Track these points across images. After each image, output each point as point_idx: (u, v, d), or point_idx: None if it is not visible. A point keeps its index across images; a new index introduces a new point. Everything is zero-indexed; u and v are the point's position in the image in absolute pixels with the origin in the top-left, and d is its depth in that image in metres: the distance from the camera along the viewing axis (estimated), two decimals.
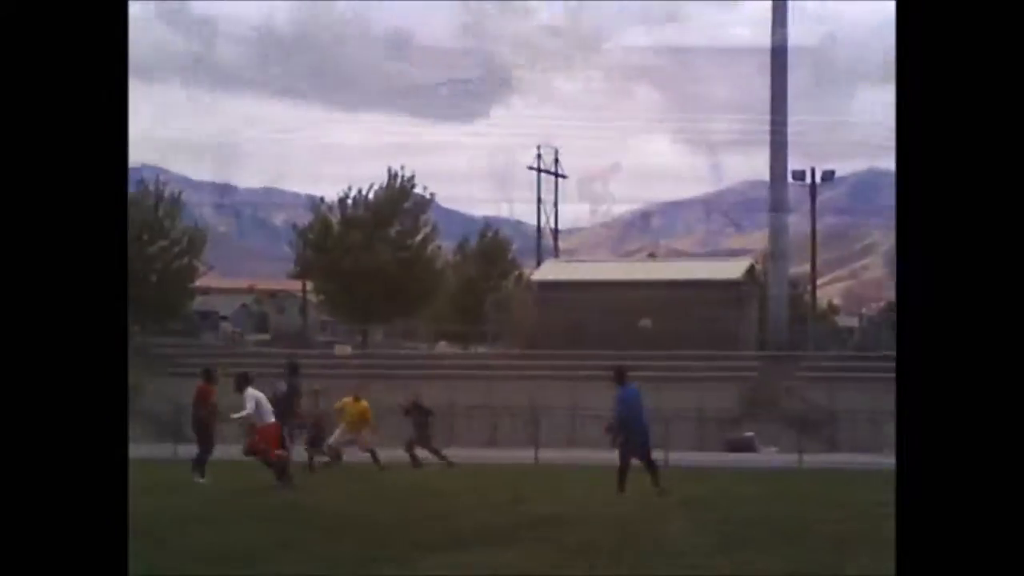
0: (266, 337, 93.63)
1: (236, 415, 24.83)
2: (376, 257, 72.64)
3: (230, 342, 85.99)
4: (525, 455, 38.84)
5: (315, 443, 32.80)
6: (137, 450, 31.59)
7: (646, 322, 60.94)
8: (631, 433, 22.48)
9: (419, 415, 36.43)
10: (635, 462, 22.58)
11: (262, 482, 23.35)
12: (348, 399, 34.31)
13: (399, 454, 34.51)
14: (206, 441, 26.34)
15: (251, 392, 24.54)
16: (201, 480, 25.22)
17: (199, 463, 25.96)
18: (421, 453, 34.95)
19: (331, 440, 33.75)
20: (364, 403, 34.70)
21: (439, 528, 15.78)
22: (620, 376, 22.88)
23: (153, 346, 64.32)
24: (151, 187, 76.90)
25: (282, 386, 24.33)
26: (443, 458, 35.23)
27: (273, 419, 24.46)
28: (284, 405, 24.65)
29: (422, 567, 12.13)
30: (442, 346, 79.81)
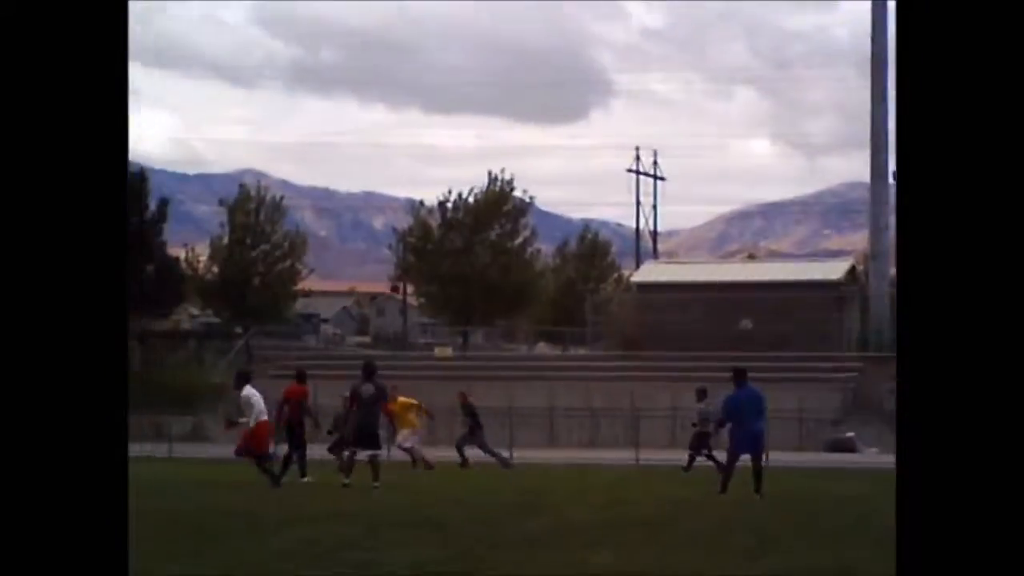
0: (366, 339, 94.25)
1: (239, 421, 24.94)
2: (476, 260, 72.92)
3: (331, 344, 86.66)
4: (625, 456, 38.81)
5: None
6: (231, 450, 31.82)
7: (746, 323, 60.58)
8: (740, 434, 22.21)
9: (469, 414, 36.41)
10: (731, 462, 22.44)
11: (357, 482, 23.49)
12: (402, 398, 34.21)
13: (481, 454, 34.58)
14: (298, 441, 26.58)
15: (247, 391, 24.64)
16: (305, 480, 25.49)
17: (300, 463, 26.23)
18: (472, 452, 34.91)
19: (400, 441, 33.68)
20: (409, 401, 34.73)
21: (537, 527, 15.82)
22: (739, 376, 22.46)
23: (256, 348, 65.00)
24: (253, 192, 77.68)
25: (368, 387, 24.27)
26: (498, 456, 35.12)
27: (266, 418, 24.52)
28: (369, 407, 24.58)
29: (528, 567, 12.16)
30: (541, 348, 79.90)
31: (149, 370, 63.73)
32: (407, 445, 33.37)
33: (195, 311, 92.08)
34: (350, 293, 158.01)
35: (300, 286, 79.92)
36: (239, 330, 72.27)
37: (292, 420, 26.75)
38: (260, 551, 13.16)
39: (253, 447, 24.46)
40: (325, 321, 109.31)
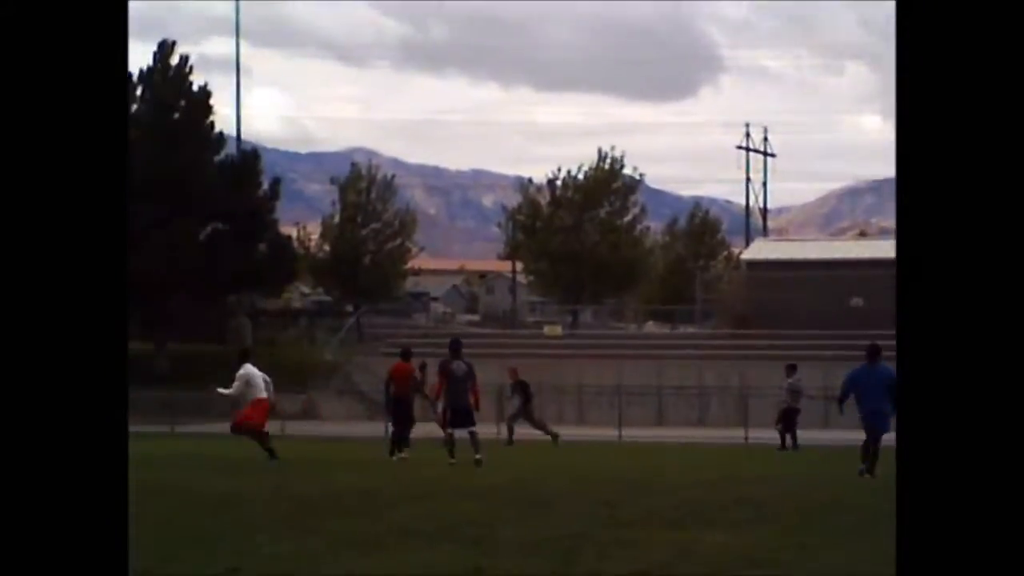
0: (476, 318, 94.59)
1: (223, 391, 25.22)
2: (585, 238, 72.94)
3: (441, 322, 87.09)
4: (735, 435, 38.68)
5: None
6: (351, 428, 32.13)
7: (857, 301, 59.97)
8: (862, 412, 21.83)
9: (521, 391, 36.37)
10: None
11: (455, 459, 23.64)
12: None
13: (577, 432, 34.58)
14: (403, 418, 26.83)
15: (245, 369, 24.83)
16: (403, 455, 25.73)
17: (399, 440, 26.49)
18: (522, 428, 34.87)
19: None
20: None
21: (649, 504, 15.85)
22: (872, 354, 21.91)
23: (366, 326, 65.52)
24: (364, 170, 78.22)
25: (460, 365, 24.42)
26: (551, 433, 35.00)
27: (264, 395, 24.67)
28: (461, 385, 24.69)
29: (642, 545, 12.19)
30: (650, 326, 79.71)
31: (261, 348, 64.54)
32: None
33: (306, 289, 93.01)
34: (460, 271, 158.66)
35: (410, 264, 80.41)
36: (350, 308, 72.93)
37: (398, 397, 27.03)
38: (376, 528, 13.31)
39: (250, 424, 24.77)
40: (435, 299, 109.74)
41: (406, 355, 27.64)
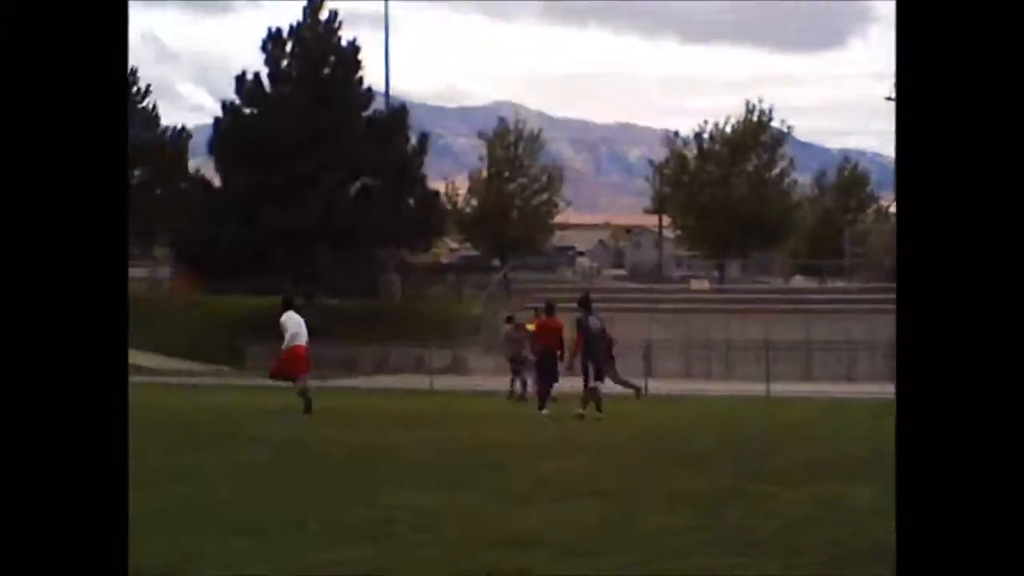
0: (622, 272, 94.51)
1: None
2: (732, 191, 72.40)
3: (587, 277, 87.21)
4: (883, 390, 38.27)
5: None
6: (498, 383, 32.41)
7: None
8: None
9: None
10: None
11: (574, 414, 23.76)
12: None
13: (724, 387, 34.33)
14: (549, 373, 26.91)
15: (287, 316, 24.98)
16: (544, 412, 25.90)
17: (543, 395, 26.63)
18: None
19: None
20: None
21: (790, 459, 15.81)
22: None
23: (513, 281, 65.85)
24: (510, 125, 78.44)
25: (595, 321, 24.57)
26: (632, 385, 34.38)
27: (303, 343, 24.77)
28: (598, 340, 24.80)
29: (784, 498, 12.20)
30: (798, 280, 79.02)
31: (409, 303, 65.20)
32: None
33: (454, 245, 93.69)
34: (606, 226, 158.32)
35: (556, 219, 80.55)
36: (497, 263, 73.34)
37: (544, 352, 27.16)
38: (523, 482, 13.47)
39: (287, 370, 24.97)
40: (581, 254, 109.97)
41: (550, 310, 27.75)
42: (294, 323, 25.04)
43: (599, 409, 23.96)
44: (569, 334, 25.80)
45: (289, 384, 24.73)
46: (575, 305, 25.68)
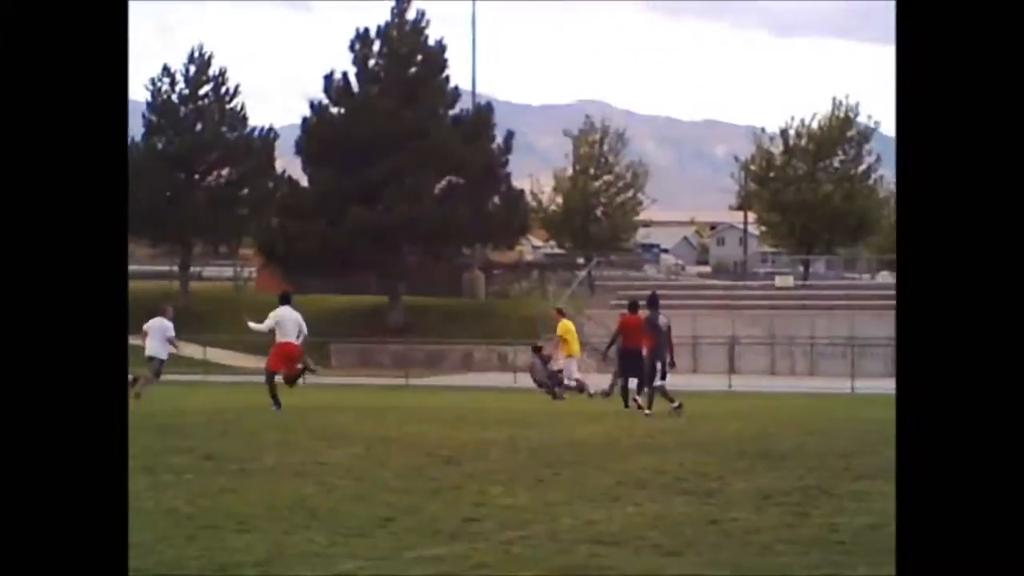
0: (706, 269, 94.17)
1: (253, 325, 25.17)
2: (818, 187, 71.85)
3: (671, 274, 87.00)
4: None
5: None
6: (584, 380, 32.43)
7: None
8: None
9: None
10: None
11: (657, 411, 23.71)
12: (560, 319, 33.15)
13: (809, 383, 33.99)
14: (633, 369, 26.90)
15: (277, 311, 24.91)
16: (650, 412, 25.92)
17: (626, 390, 26.64)
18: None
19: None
20: (566, 322, 33.41)
21: (881, 458, 15.71)
22: None
23: (597, 278, 65.83)
24: (596, 122, 78.44)
25: (663, 319, 24.68)
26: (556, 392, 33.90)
27: (290, 340, 24.71)
28: (665, 339, 24.90)
29: (878, 498, 12.15)
30: (884, 276, 78.29)
31: (493, 301, 65.40)
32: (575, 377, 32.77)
33: (538, 242, 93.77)
34: (690, 223, 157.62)
35: (641, 216, 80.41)
36: (581, 261, 73.32)
37: (627, 348, 27.20)
38: (609, 479, 13.52)
39: (270, 364, 25.13)
40: (665, 251, 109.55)
41: (634, 307, 27.85)
42: (287, 320, 24.95)
43: (649, 407, 24.05)
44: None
45: (372, 381, 24.93)
46: (643, 303, 25.87)
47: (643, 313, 26.51)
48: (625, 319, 28.12)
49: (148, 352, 28.42)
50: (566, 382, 32.09)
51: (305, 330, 25.37)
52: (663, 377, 24.51)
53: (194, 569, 8.51)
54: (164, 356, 28.65)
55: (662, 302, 25.84)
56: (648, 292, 27.69)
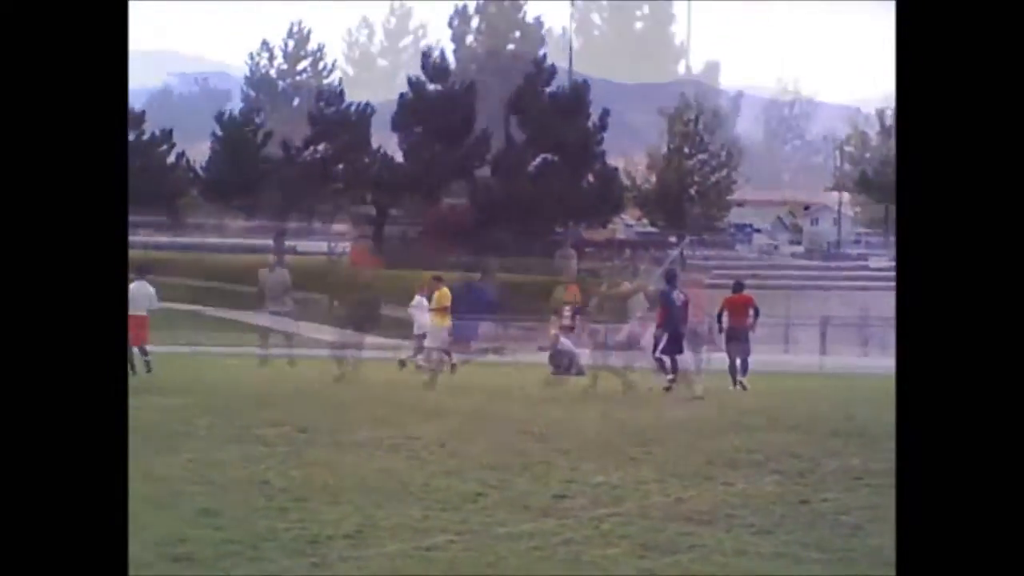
0: (799, 249, 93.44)
1: None
2: None
3: (764, 254, 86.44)
4: None
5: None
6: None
7: None
8: None
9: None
10: None
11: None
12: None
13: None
14: (737, 348, 26.89)
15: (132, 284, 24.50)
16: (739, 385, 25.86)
17: (734, 369, 26.60)
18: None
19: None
20: (445, 289, 28.10)
21: None
22: None
23: (690, 257, 65.61)
24: (692, 101, 78.13)
25: (680, 295, 24.85)
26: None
27: (139, 313, 23.49)
28: (675, 314, 24.97)
29: None
30: None
31: (585, 278, 65.30)
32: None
33: (631, 221, 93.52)
34: (784, 203, 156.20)
35: (734, 195, 79.99)
36: (673, 239, 73.10)
37: (732, 327, 27.24)
38: (701, 457, 13.51)
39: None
40: (758, 231, 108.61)
41: (739, 287, 28.06)
42: (136, 294, 24.27)
43: (673, 373, 24.41)
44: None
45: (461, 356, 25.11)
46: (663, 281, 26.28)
47: (747, 293, 26.66)
48: (729, 299, 28.26)
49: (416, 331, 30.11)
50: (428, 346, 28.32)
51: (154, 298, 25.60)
52: (670, 353, 24.61)
53: (286, 540, 8.66)
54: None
55: (755, 282, 25.92)
56: (740, 272, 27.79)
